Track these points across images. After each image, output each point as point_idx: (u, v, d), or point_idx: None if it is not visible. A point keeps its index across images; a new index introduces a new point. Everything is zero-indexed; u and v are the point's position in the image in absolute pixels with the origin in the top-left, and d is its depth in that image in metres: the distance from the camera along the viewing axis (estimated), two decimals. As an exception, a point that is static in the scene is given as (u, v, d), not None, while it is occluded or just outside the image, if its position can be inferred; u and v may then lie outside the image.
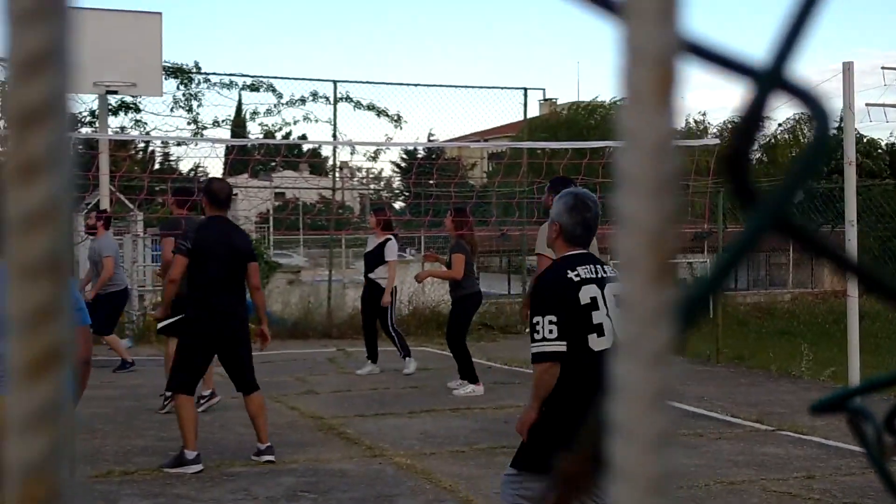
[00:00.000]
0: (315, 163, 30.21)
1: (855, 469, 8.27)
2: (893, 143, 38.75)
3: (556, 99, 40.34)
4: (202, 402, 10.52)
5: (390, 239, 13.58)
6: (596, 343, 4.94)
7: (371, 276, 13.59)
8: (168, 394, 10.65)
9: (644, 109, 0.37)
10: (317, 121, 21.16)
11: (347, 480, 8.00)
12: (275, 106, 20.96)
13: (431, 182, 24.15)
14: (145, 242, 19.76)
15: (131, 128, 20.48)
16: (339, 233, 23.32)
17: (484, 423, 10.28)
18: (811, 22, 0.47)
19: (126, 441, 9.29)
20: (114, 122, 20.09)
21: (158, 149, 31.69)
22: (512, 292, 24.00)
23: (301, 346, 16.82)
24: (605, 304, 4.98)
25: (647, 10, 0.37)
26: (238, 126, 23.22)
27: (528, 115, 23.00)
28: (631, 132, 0.38)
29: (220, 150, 22.57)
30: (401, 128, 22.20)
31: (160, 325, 11.00)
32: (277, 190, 33.02)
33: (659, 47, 0.37)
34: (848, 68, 11.33)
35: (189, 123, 20.53)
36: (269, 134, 21.66)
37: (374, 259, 13.57)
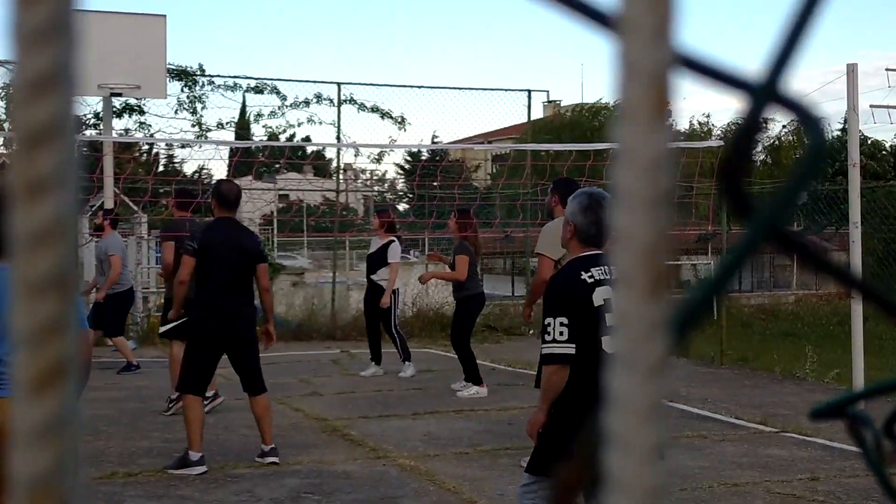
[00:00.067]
0: (319, 165, 30.21)
1: (859, 471, 8.27)
2: (897, 145, 38.70)
3: (559, 101, 40.30)
4: (205, 402, 10.53)
5: (393, 241, 13.59)
6: (609, 345, 4.93)
7: (374, 277, 13.60)
8: (173, 396, 10.68)
9: (639, 126, 0.38)
10: (321, 123, 21.19)
11: (351, 482, 8.00)
12: (279, 108, 20.98)
13: (435, 184, 24.15)
14: (149, 244, 19.78)
15: (135, 130, 20.51)
16: (342, 235, 23.34)
17: (488, 425, 10.28)
18: (806, 36, 0.47)
19: (130, 443, 9.31)
20: (118, 124, 20.13)
21: (162, 151, 31.69)
22: (516, 294, 24.00)
23: (305, 347, 16.84)
24: None
25: (642, 27, 0.38)
26: (242, 128, 23.25)
27: (532, 117, 23.00)
28: (626, 148, 0.38)
29: (225, 152, 22.59)
30: (405, 130, 22.21)
31: (162, 328, 11.03)
32: (281, 192, 33.01)
33: (653, 64, 0.38)
34: (852, 70, 11.31)
35: (193, 126, 20.56)
36: (273, 136, 21.66)
37: (377, 261, 13.58)
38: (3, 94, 19.21)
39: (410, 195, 29.68)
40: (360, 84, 21.45)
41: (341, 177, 23.70)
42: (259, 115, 21.31)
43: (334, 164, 23.09)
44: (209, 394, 10.72)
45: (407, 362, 13.59)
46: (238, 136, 23.02)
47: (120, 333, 14.08)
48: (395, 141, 22.19)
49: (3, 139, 18.00)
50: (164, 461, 8.50)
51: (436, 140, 30.03)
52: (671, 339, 0.40)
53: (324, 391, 12.39)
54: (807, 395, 12.27)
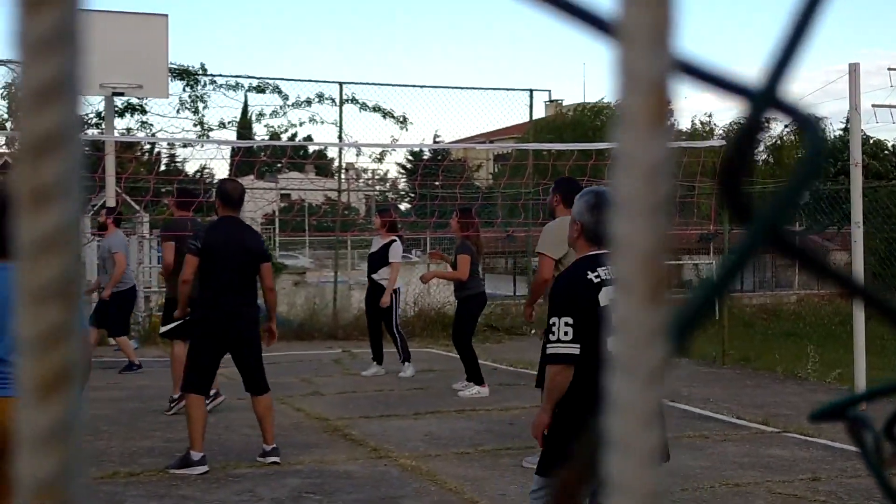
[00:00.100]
0: (321, 164, 30.25)
1: (861, 471, 8.27)
2: (900, 144, 38.69)
3: (561, 100, 40.27)
4: (207, 402, 10.55)
5: (395, 240, 13.60)
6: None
7: (374, 276, 13.61)
8: (175, 396, 10.70)
9: (638, 134, 0.38)
10: (322, 122, 21.20)
11: (352, 482, 8.01)
12: (281, 107, 20.99)
13: (437, 183, 24.15)
14: (151, 244, 19.79)
15: (137, 129, 20.52)
16: (344, 234, 23.35)
17: (489, 425, 10.28)
18: (805, 42, 0.48)
19: (131, 442, 9.31)
20: (120, 123, 20.16)
21: (164, 150, 31.72)
22: (517, 293, 24.00)
23: (306, 347, 16.84)
24: None
25: (641, 34, 0.38)
26: (244, 127, 23.26)
27: (534, 117, 23.00)
28: (625, 156, 0.39)
29: (226, 151, 22.60)
30: (406, 129, 22.21)
31: (163, 328, 11.04)
32: (283, 191, 33.05)
33: (652, 72, 0.38)
34: (854, 69, 11.31)
35: (195, 125, 20.56)
36: (274, 135, 21.69)
37: (379, 260, 13.59)
38: (4, 93, 19.22)
39: (412, 195, 29.67)
40: (361, 83, 21.45)
41: (343, 176, 23.70)
42: (261, 114, 21.33)
43: (336, 163, 23.10)
44: (210, 392, 10.75)
45: (406, 363, 13.59)
46: (240, 136, 23.02)
47: (124, 333, 14.09)
48: (397, 140, 22.23)
49: (4, 139, 18.01)
50: (165, 461, 8.51)
51: (437, 139, 30.06)
52: (672, 342, 0.40)
53: (325, 391, 12.39)
54: (809, 395, 12.27)
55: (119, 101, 18.74)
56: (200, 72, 20.38)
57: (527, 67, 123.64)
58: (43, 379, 0.34)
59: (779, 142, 38.12)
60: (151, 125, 20.57)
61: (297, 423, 10.29)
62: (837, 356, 14.08)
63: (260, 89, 20.66)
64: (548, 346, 4.97)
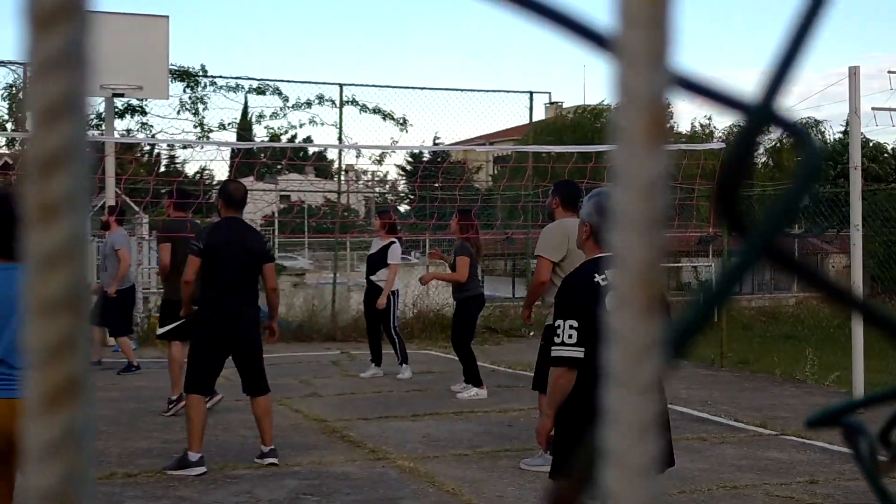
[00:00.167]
0: (321, 166, 30.26)
1: (858, 474, 8.22)
2: (899, 148, 38.70)
3: (561, 102, 40.26)
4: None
5: (394, 242, 13.61)
6: None
7: (373, 278, 13.63)
8: (173, 397, 10.71)
9: (635, 150, 0.39)
10: (322, 124, 21.23)
11: (350, 483, 8.01)
12: (281, 109, 21.02)
13: (437, 185, 24.16)
14: (150, 245, 19.79)
15: (137, 131, 20.56)
16: (343, 235, 23.35)
17: (487, 427, 10.29)
18: (802, 56, 0.48)
19: (129, 443, 9.32)
20: (120, 124, 20.18)
21: (164, 152, 31.74)
22: (516, 295, 24.00)
23: (305, 348, 16.85)
24: None
25: (638, 53, 0.39)
26: (244, 129, 23.28)
27: (534, 119, 23.02)
28: (622, 172, 0.39)
29: (226, 152, 22.65)
30: (406, 131, 22.22)
31: (160, 330, 11.05)
32: (283, 193, 33.05)
33: (649, 90, 0.39)
34: (854, 73, 11.33)
35: (195, 126, 20.59)
36: (274, 137, 21.69)
37: (377, 262, 13.60)
38: (4, 94, 19.22)
39: (412, 196, 29.69)
40: (362, 85, 21.51)
41: (343, 178, 23.71)
42: (261, 116, 21.35)
43: (336, 165, 23.13)
44: (174, 396, 10.76)
45: (404, 364, 13.60)
46: (240, 137, 23.04)
47: (125, 333, 14.11)
48: (397, 142, 22.22)
49: (4, 140, 18.00)
50: (163, 462, 8.51)
51: (437, 141, 30.05)
52: (670, 353, 0.41)
53: (324, 392, 12.40)
54: (807, 397, 12.28)
55: (119, 102, 18.76)
56: (201, 73, 20.40)
57: (527, 69, 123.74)
58: (51, 390, 0.35)
59: (778, 145, 38.14)
60: (151, 126, 20.62)
61: (296, 425, 10.29)
62: (836, 359, 14.09)
63: (260, 91, 20.68)
64: (552, 348, 4.93)
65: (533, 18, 0.44)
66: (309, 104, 20.85)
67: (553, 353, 4.92)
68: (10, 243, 4.79)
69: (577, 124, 36.20)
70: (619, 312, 0.40)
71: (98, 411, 10.47)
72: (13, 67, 19.25)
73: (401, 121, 21.62)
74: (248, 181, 26.23)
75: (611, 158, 0.40)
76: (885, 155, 37.02)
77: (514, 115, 24.63)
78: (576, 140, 27.99)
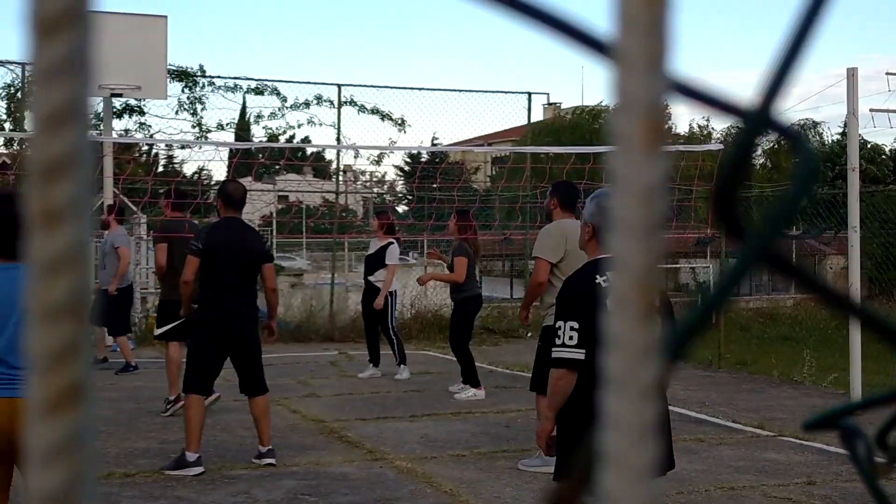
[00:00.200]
0: (319, 166, 30.25)
1: (855, 476, 8.22)
2: (897, 149, 38.72)
3: (560, 103, 40.22)
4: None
5: (392, 243, 13.61)
6: None
7: (370, 279, 13.63)
8: (171, 398, 10.71)
9: (633, 156, 0.39)
10: (321, 124, 21.24)
11: (348, 484, 8.01)
12: (279, 109, 21.03)
13: (435, 186, 24.17)
14: (148, 245, 19.79)
15: (135, 131, 20.57)
16: (341, 236, 23.34)
17: (485, 427, 10.29)
18: (800, 62, 0.48)
19: (127, 443, 9.31)
20: (118, 124, 20.17)
21: (162, 152, 31.72)
22: (514, 296, 24.01)
23: (303, 349, 16.85)
24: None
25: (636, 59, 0.39)
26: (242, 129, 23.29)
27: (532, 120, 23.03)
28: (621, 178, 0.40)
29: (224, 153, 22.69)
30: (404, 131, 22.24)
31: (157, 331, 11.06)
32: (281, 193, 33.05)
33: (648, 96, 0.39)
34: (852, 74, 11.34)
35: (193, 126, 20.60)
36: (273, 137, 21.69)
37: (375, 262, 13.60)
38: (2, 94, 19.21)
39: (410, 197, 29.70)
40: (360, 86, 21.53)
41: (341, 178, 23.71)
42: (259, 116, 21.36)
43: (334, 165, 23.13)
44: (172, 396, 10.77)
45: (402, 365, 13.60)
46: (238, 138, 23.05)
47: (124, 332, 14.11)
48: (395, 143, 22.24)
49: (2, 139, 17.98)
50: (160, 462, 8.51)
51: (435, 142, 30.04)
52: (668, 358, 0.41)
53: (321, 393, 12.40)
54: (804, 399, 12.28)
55: (117, 102, 18.76)
56: (199, 73, 20.41)
57: (525, 70, 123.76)
58: (53, 395, 0.35)
59: (776, 146, 38.16)
60: (149, 126, 20.61)
61: (293, 425, 10.30)
62: (833, 360, 14.10)
63: (258, 91, 20.70)
64: (553, 349, 4.90)
65: (532, 24, 0.45)
66: (307, 104, 20.87)
67: (553, 355, 4.88)
68: (10, 243, 4.78)
69: (576, 125, 36.16)
70: (618, 316, 0.40)
71: (95, 411, 10.46)
72: (11, 67, 19.24)
73: (399, 121, 21.64)
74: (246, 181, 26.22)
75: (609, 163, 0.40)
76: (883, 156, 37.05)
77: (512, 115, 24.67)
78: (574, 141, 27.97)
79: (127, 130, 20.69)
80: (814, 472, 8.55)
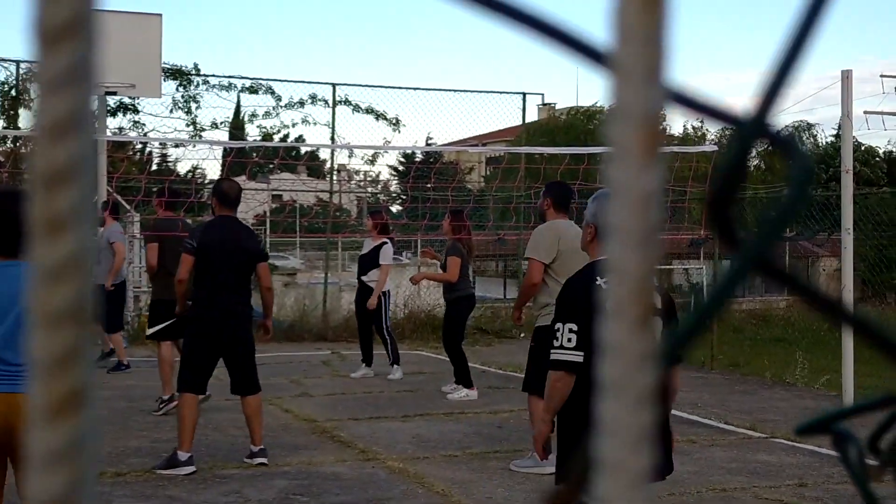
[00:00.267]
0: (313, 165, 30.25)
1: (847, 478, 8.25)
2: (891, 151, 38.79)
3: (554, 103, 40.25)
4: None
5: (386, 243, 13.61)
6: None
7: (364, 278, 13.63)
8: (165, 397, 10.70)
9: (630, 165, 0.40)
10: (315, 123, 21.22)
11: (340, 484, 8.01)
12: (273, 108, 21.01)
13: (429, 186, 24.17)
14: (141, 244, 19.77)
15: (130, 129, 20.53)
16: (335, 235, 23.35)
17: (478, 428, 10.29)
18: (795, 71, 0.49)
19: (119, 442, 9.30)
20: (112, 122, 20.13)
21: (156, 150, 31.68)
22: (508, 297, 24.02)
23: (296, 348, 16.84)
24: None
25: (634, 70, 0.39)
26: (236, 128, 23.26)
27: (527, 120, 23.03)
28: (618, 186, 0.40)
29: (219, 151, 22.60)
30: (399, 131, 22.23)
31: (149, 331, 11.05)
32: (275, 192, 33.04)
33: (645, 107, 0.39)
34: (847, 76, 11.36)
35: (187, 125, 20.58)
36: (267, 136, 21.69)
37: (369, 262, 13.60)
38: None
39: (404, 197, 29.68)
40: (354, 85, 21.56)
41: (335, 178, 23.70)
42: (253, 115, 21.36)
43: (328, 164, 23.11)
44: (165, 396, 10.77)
45: (395, 365, 13.60)
46: (232, 136, 23.01)
47: (119, 329, 14.11)
48: (390, 142, 22.23)
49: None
50: (152, 461, 8.50)
51: (430, 142, 30.04)
52: (663, 367, 0.41)
53: (314, 392, 12.39)
54: (796, 400, 12.30)
55: (111, 101, 18.72)
56: (193, 72, 20.39)
57: (520, 70, 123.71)
58: (55, 401, 0.35)
59: (771, 148, 38.16)
60: (144, 125, 20.59)
61: (286, 425, 10.29)
62: (826, 362, 14.12)
63: (253, 90, 20.68)
64: (551, 351, 4.87)
65: (531, 34, 0.45)
66: (302, 104, 20.85)
67: (551, 357, 4.85)
68: (10, 241, 4.78)
69: (570, 126, 36.19)
70: (615, 323, 0.40)
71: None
72: (6, 65, 19.21)
73: (393, 121, 21.63)
74: (240, 180, 26.18)
75: (607, 172, 0.41)
76: (877, 159, 37.11)
77: (506, 116, 24.64)
78: (568, 141, 28.00)
79: (121, 128, 20.66)
80: (805, 473, 8.57)
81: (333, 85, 20.57)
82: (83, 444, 0.36)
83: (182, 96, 20.36)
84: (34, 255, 0.36)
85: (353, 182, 35.20)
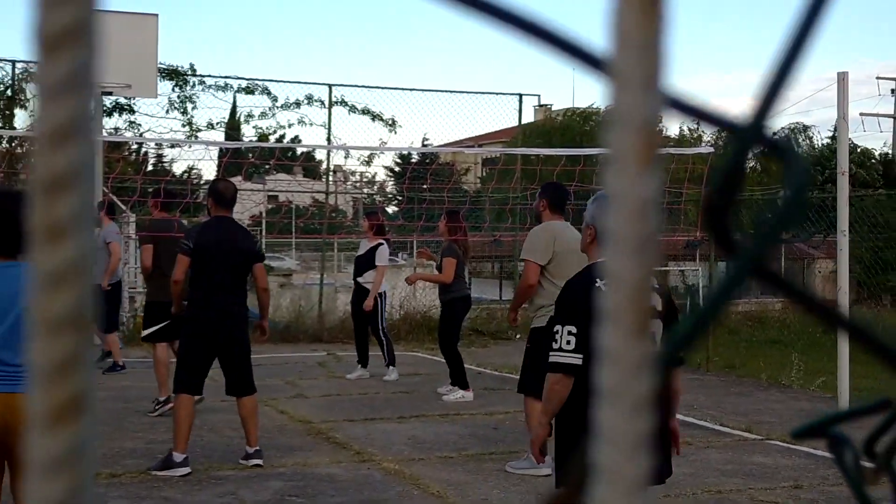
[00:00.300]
0: (309, 166, 30.23)
1: (842, 480, 8.27)
2: (887, 153, 38.85)
3: (551, 105, 40.22)
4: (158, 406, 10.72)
5: (382, 244, 13.61)
6: None
7: (360, 280, 13.63)
8: (161, 399, 10.69)
9: (628, 172, 0.40)
10: (311, 124, 21.22)
11: (335, 485, 8.01)
12: (269, 109, 21.00)
13: (425, 187, 24.17)
14: (137, 244, 19.76)
15: (125, 129, 20.50)
16: (331, 236, 23.34)
17: (473, 429, 10.29)
18: (791, 78, 0.49)
19: (114, 443, 9.29)
20: (108, 123, 20.12)
21: (152, 151, 31.67)
22: (504, 298, 24.02)
23: (291, 349, 16.83)
24: None
25: (632, 77, 0.40)
26: (232, 129, 23.24)
27: (523, 121, 23.03)
28: (615, 193, 0.40)
29: (214, 152, 22.60)
30: (395, 132, 22.29)
31: (144, 332, 11.04)
32: (271, 193, 33.02)
33: (643, 114, 0.39)
34: (843, 78, 11.36)
35: (183, 125, 20.56)
36: (263, 137, 21.68)
37: (365, 263, 13.60)
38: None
39: (400, 198, 29.68)
40: (351, 86, 21.51)
41: (331, 178, 23.69)
42: (249, 115, 21.33)
43: (324, 165, 23.11)
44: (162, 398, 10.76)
45: (391, 367, 13.60)
46: (228, 137, 23.01)
47: (114, 329, 14.11)
48: (386, 143, 22.23)
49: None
50: (147, 462, 8.49)
51: (426, 143, 30.07)
52: (660, 374, 0.42)
53: (309, 393, 12.39)
54: (792, 402, 12.31)
55: (107, 101, 18.71)
56: (189, 72, 20.38)
57: (516, 72, 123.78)
58: (55, 407, 0.35)
59: (768, 154, 38.17)
60: (139, 125, 20.58)
61: (281, 426, 10.29)
62: (821, 364, 14.12)
63: (249, 90, 20.67)
64: (550, 353, 4.85)
65: (530, 40, 0.45)
66: (298, 104, 20.85)
67: (550, 359, 4.83)
68: (9, 242, 4.78)
69: (567, 127, 36.17)
70: (611, 330, 0.41)
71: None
72: (1, 65, 19.18)
73: (390, 122, 21.63)
74: (236, 181, 26.14)
75: (604, 178, 0.41)
76: (873, 161, 37.13)
77: (503, 117, 24.64)
78: (565, 143, 28.01)
79: (117, 129, 20.64)
80: (801, 475, 8.57)
81: (330, 86, 20.57)
82: (83, 451, 0.36)
83: (178, 97, 20.36)
84: (34, 262, 0.36)
85: (349, 183, 35.19)
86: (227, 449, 9.07)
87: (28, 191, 0.36)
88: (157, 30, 17.02)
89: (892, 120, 42.00)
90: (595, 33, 0.46)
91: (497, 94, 21.98)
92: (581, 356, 4.70)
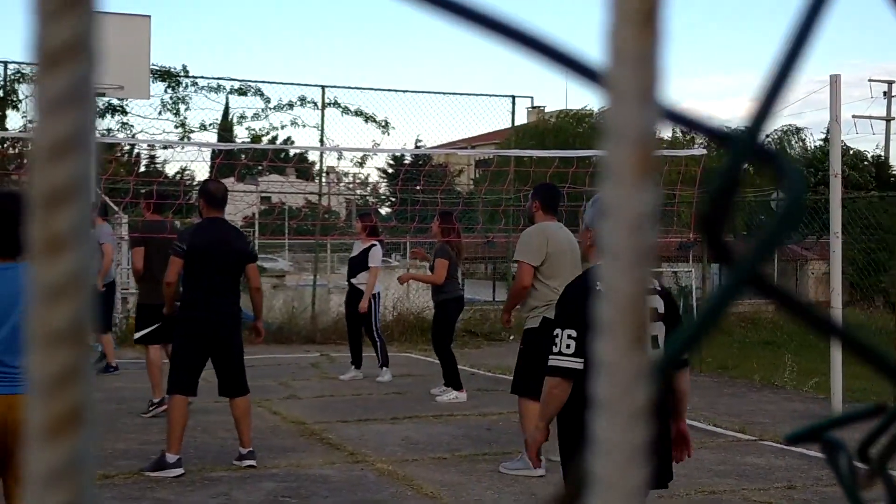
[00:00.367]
0: (302, 167, 30.23)
1: (836, 480, 8.28)
2: (879, 156, 38.92)
3: (544, 106, 40.23)
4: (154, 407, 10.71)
5: (375, 245, 13.61)
6: None
7: (353, 281, 13.64)
8: (156, 400, 10.68)
9: (624, 186, 0.40)
10: (304, 126, 21.20)
11: (329, 486, 8.01)
12: (262, 110, 20.98)
13: (418, 188, 24.17)
14: (129, 246, 19.73)
15: (118, 130, 20.47)
16: (324, 238, 23.31)
17: (466, 430, 10.30)
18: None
19: (107, 444, 9.28)
20: (100, 124, 20.07)
21: (144, 152, 31.62)
22: (497, 299, 24.02)
23: (284, 350, 16.82)
24: None
25: (628, 90, 0.40)
26: (225, 130, 23.23)
27: (516, 123, 23.04)
28: (611, 207, 0.40)
29: (207, 153, 22.58)
30: (388, 134, 22.22)
31: (137, 334, 11.04)
32: (264, 194, 33.00)
33: (639, 127, 0.40)
34: (835, 80, 11.38)
35: (176, 127, 20.54)
36: (256, 138, 21.66)
37: (358, 264, 13.61)
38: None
39: (393, 199, 29.68)
40: (344, 87, 21.54)
41: (324, 180, 23.68)
42: (242, 116, 21.31)
43: (317, 166, 23.12)
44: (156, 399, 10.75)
45: (384, 368, 13.60)
46: (221, 138, 22.97)
47: (106, 329, 14.09)
48: (379, 145, 22.23)
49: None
50: (140, 463, 8.49)
51: (419, 144, 30.04)
52: (661, 378, 0.42)
53: (303, 394, 12.39)
54: (785, 403, 12.33)
55: (100, 102, 18.68)
56: (182, 73, 20.36)
57: (509, 73, 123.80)
58: (54, 419, 0.35)
59: (762, 165, 38.19)
60: (132, 126, 20.54)
61: (274, 427, 10.28)
62: (814, 365, 14.15)
63: (242, 92, 20.64)
64: (549, 357, 4.83)
65: (527, 53, 0.45)
66: (291, 106, 20.82)
67: (549, 363, 4.81)
68: (9, 243, 4.77)
69: (559, 129, 36.17)
70: (607, 343, 0.41)
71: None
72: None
73: (383, 123, 21.61)
74: (228, 182, 26.14)
75: (601, 192, 0.41)
76: (865, 163, 37.19)
77: (496, 118, 24.60)
78: (558, 144, 28.03)
79: (109, 130, 20.59)
80: (794, 476, 8.59)
81: (322, 87, 20.56)
82: (83, 463, 0.36)
83: (171, 98, 20.33)
84: (34, 275, 0.36)
85: (342, 184, 35.16)
86: (220, 450, 9.07)
87: (25, 195, 0.36)
88: (150, 31, 16.99)
89: (884, 122, 42.11)
90: (591, 46, 0.46)
91: (490, 95, 22.01)
92: (581, 360, 4.68)
